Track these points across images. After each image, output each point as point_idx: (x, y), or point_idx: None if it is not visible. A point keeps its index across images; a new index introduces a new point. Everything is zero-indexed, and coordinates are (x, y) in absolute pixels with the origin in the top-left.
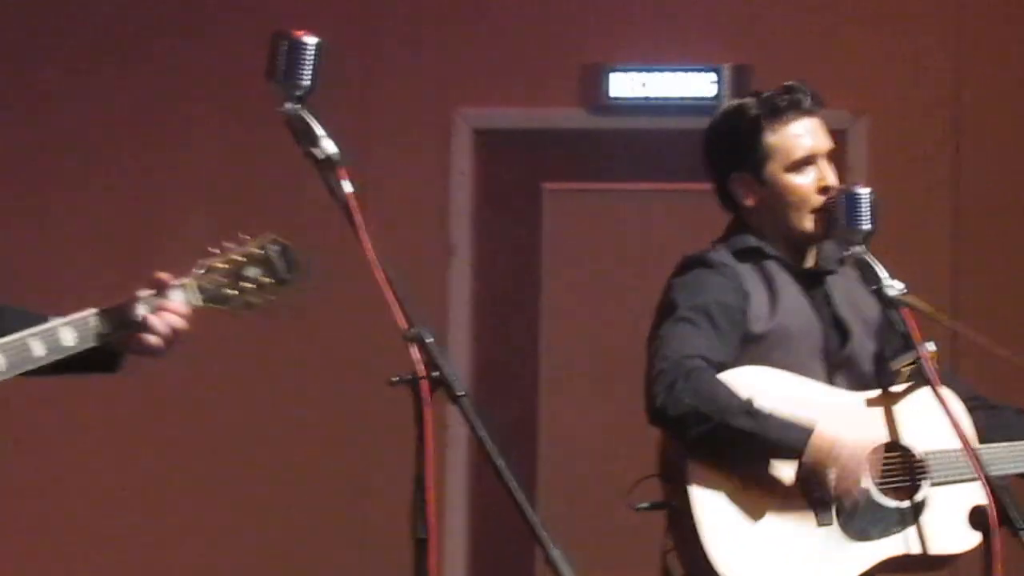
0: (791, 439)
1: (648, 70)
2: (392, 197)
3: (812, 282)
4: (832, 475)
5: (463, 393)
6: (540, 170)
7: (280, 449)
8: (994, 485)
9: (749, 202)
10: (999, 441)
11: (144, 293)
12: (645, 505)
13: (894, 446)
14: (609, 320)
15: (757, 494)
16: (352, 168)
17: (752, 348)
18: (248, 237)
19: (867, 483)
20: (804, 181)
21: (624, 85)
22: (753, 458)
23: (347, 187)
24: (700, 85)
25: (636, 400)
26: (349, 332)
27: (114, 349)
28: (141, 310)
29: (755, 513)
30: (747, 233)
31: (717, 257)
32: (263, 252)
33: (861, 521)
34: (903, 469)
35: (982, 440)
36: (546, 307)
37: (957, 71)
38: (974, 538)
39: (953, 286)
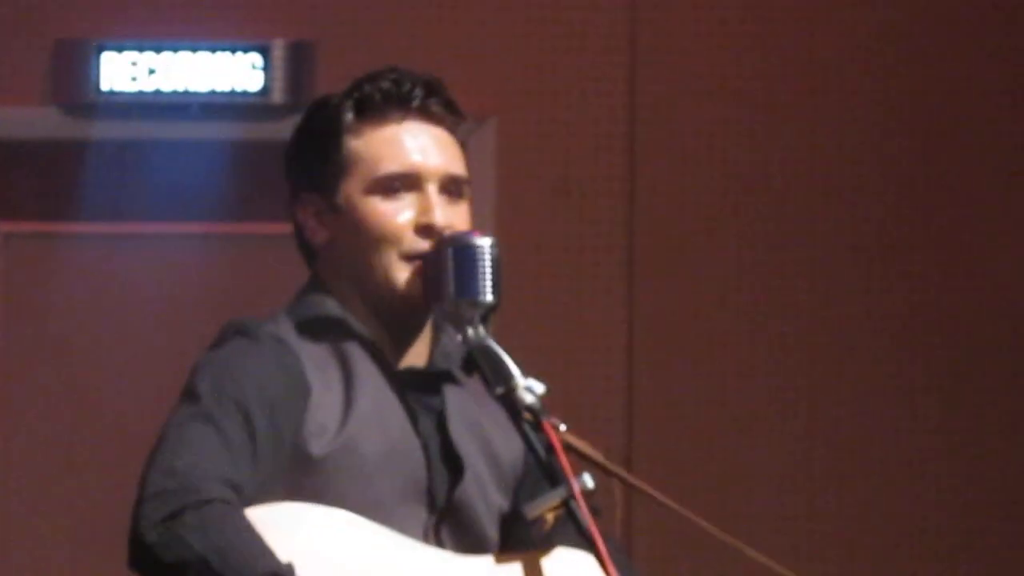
0: None
1: (157, 49)
2: None
3: (419, 388)
4: None
5: None
6: None
7: None
8: None
9: (318, 238)
10: None
11: None
12: None
13: None
14: (85, 419)
15: None
16: None
17: (304, 476)
18: None
19: None
20: (392, 210)
21: (120, 72)
22: None
23: None
24: (238, 72)
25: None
26: None
27: None
28: None
29: None
30: (325, 295)
31: (271, 328)
32: None
33: None
34: None
35: None
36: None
37: (632, 54)
38: None
39: (629, 367)
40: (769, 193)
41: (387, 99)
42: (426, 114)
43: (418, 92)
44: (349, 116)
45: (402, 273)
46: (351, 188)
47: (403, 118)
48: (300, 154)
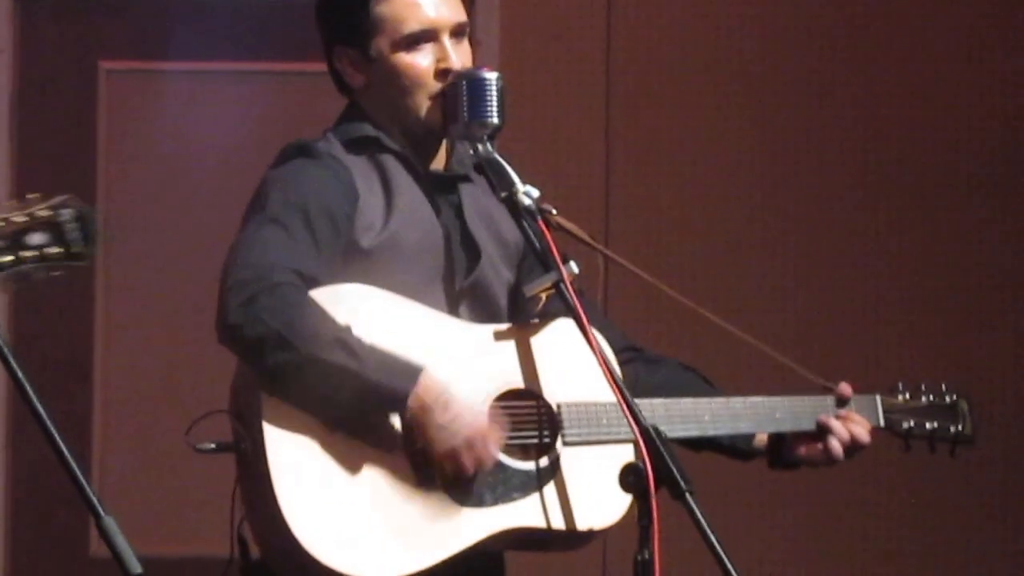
0: (392, 383)
1: None
2: None
3: (441, 189)
4: (438, 432)
5: None
6: (96, 44)
7: None
8: (651, 439)
9: (356, 83)
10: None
11: None
12: (210, 446)
13: (521, 393)
14: (182, 231)
15: (349, 442)
16: None
17: (356, 263)
18: (36, 196)
19: (493, 449)
20: (418, 61)
21: None
22: (343, 401)
23: None
24: None
25: (212, 326)
26: None
27: None
28: None
29: (345, 466)
30: (363, 120)
31: (324, 147)
32: (52, 215)
33: (475, 483)
34: (532, 422)
35: (637, 396)
36: (104, 216)
37: None
38: (618, 510)
39: (607, 185)
40: (734, 33)
41: None
42: None
43: None
44: None
45: (428, 109)
46: (381, 44)
47: None
48: (332, 14)
